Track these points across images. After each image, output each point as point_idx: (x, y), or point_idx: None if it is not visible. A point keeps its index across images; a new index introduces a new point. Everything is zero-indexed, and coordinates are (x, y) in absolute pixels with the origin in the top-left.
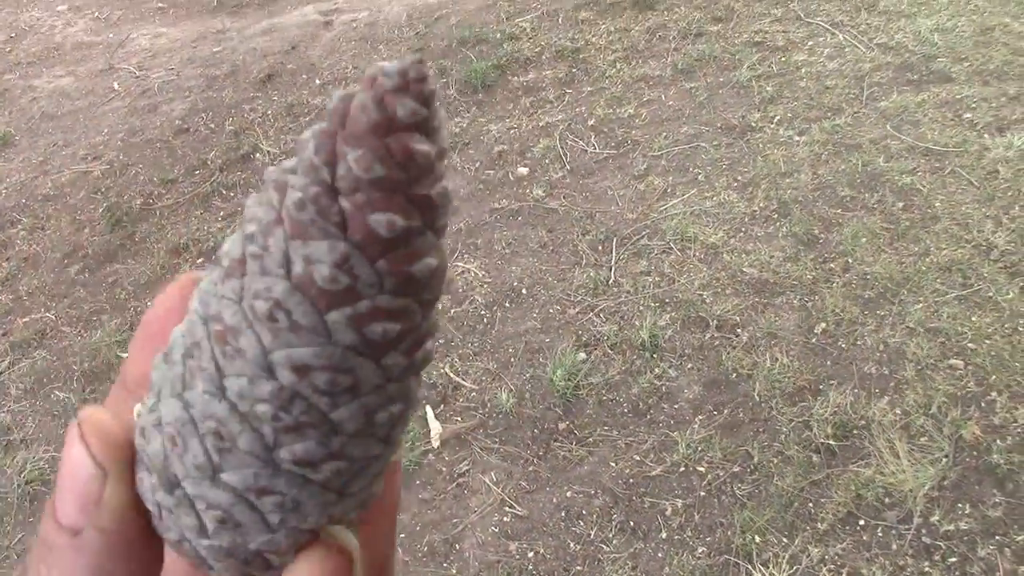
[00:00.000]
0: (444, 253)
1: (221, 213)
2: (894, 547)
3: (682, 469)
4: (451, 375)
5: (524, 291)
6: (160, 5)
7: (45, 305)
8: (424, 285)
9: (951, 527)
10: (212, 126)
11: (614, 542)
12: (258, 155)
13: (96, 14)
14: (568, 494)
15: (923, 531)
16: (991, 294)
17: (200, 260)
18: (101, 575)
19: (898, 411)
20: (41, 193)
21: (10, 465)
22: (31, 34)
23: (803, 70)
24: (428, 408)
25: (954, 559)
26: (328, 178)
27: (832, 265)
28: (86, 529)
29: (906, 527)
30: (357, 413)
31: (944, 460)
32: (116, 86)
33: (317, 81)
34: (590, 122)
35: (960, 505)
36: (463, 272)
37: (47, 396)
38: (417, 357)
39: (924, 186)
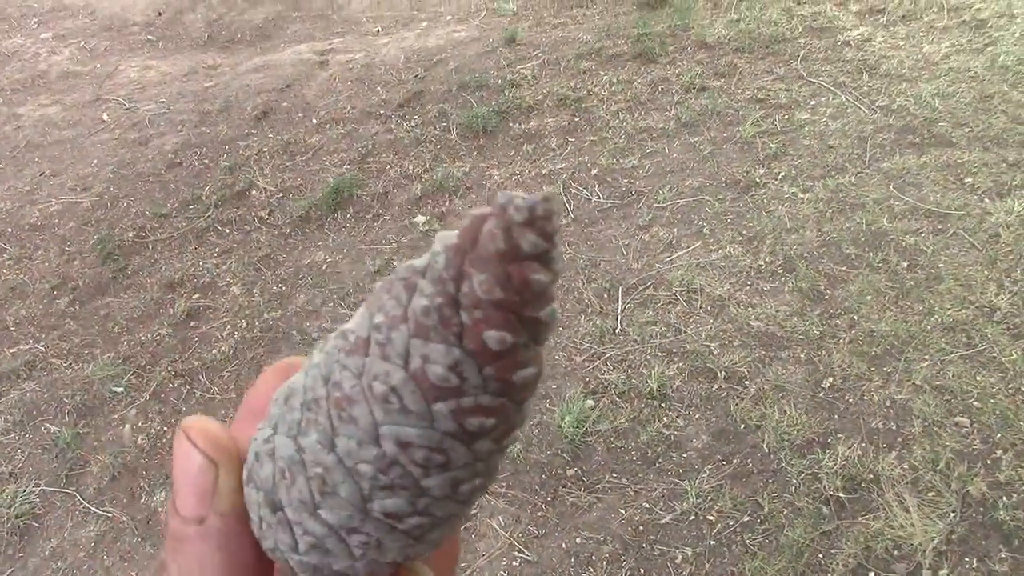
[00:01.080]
0: (543, 362)
1: (216, 249)
2: None
3: (692, 518)
4: None
5: None
6: (148, 38)
7: (34, 336)
8: (522, 389)
9: None
10: (206, 161)
11: None
12: (254, 191)
13: (82, 43)
14: (577, 540)
15: None
16: (995, 355)
17: (195, 296)
18: (227, 555)
19: (906, 466)
20: (28, 222)
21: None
22: (14, 61)
23: (806, 128)
24: None
25: None
26: (453, 292)
27: (838, 321)
28: (209, 516)
29: None
30: (445, 483)
31: (952, 515)
32: (105, 117)
33: (314, 120)
34: (593, 171)
35: (967, 559)
36: None
37: (37, 428)
38: (504, 444)
39: (927, 247)
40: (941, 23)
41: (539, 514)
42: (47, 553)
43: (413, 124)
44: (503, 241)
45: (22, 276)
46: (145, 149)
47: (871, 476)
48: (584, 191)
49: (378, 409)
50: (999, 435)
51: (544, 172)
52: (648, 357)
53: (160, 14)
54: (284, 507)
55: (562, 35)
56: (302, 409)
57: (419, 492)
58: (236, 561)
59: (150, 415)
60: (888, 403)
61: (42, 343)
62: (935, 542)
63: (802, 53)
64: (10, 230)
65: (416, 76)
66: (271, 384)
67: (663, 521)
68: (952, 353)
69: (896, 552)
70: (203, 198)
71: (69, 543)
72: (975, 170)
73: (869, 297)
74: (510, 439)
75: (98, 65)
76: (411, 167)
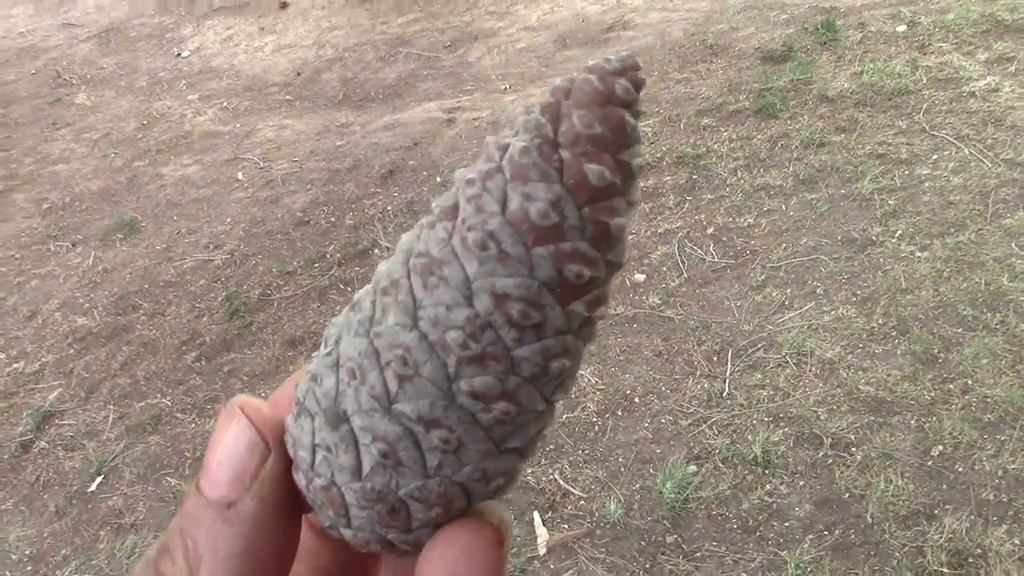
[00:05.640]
0: (629, 224)
1: (337, 307)
2: None
3: None
4: (560, 482)
5: (637, 400)
6: (286, 97)
7: (161, 391)
8: (614, 243)
9: None
10: (332, 219)
11: None
12: (376, 250)
13: (224, 104)
14: None
15: None
16: None
17: (315, 353)
18: (250, 545)
19: (1016, 541)
20: (163, 279)
21: (119, 549)
22: (162, 122)
23: (926, 184)
24: (536, 514)
25: None
26: (551, 133)
27: (951, 386)
28: (240, 501)
29: None
30: (536, 355)
31: None
32: (240, 176)
33: (438, 179)
34: (709, 230)
35: None
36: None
37: (159, 482)
38: (595, 315)
39: None
40: None
41: None
42: None
43: None
44: (600, 83)
45: (155, 332)
46: (275, 207)
47: (979, 551)
48: (698, 250)
49: (472, 262)
50: None
51: (660, 231)
52: (754, 422)
53: (299, 74)
54: (350, 416)
55: (685, 91)
56: (373, 303)
57: (510, 366)
58: (257, 554)
59: None
60: (1000, 473)
61: (168, 398)
62: None
63: (925, 105)
64: (147, 287)
65: None
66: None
67: None
68: None
69: None
70: (327, 256)
71: None
72: None
73: (985, 361)
74: (599, 313)
75: (238, 125)
76: None
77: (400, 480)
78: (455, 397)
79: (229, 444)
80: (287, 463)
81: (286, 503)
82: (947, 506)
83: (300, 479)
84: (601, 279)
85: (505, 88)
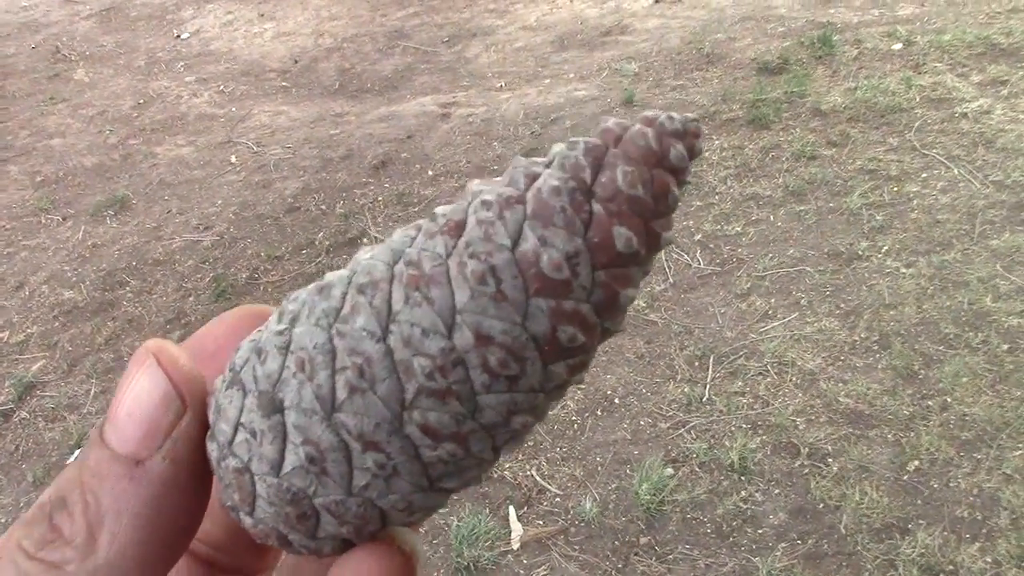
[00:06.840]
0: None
1: None
2: None
3: None
4: (537, 478)
5: (617, 400)
6: (283, 84)
7: None
8: (617, 313)
9: None
10: (323, 207)
11: None
12: (365, 240)
13: (221, 87)
14: None
15: None
16: None
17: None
18: (157, 508)
19: (989, 559)
20: (151, 258)
21: None
22: (158, 102)
23: (915, 202)
24: (511, 508)
25: None
26: (588, 180)
27: (930, 402)
28: (150, 460)
29: None
30: (502, 405)
31: None
32: (233, 159)
33: (429, 172)
34: (697, 237)
35: None
36: None
37: None
38: (573, 379)
39: None
40: None
41: None
42: None
43: None
44: (655, 142)
45: (140, 309)
46: (267, 192)
47: (950, 567)
48: (685, 256)
49: (463, 291)
50: None
51: None
52: (732, 428)
53: (296, 62)
54: (286, 408)
55: (679, 98)
56: (345, 296)
57: (471, 410)
58: (165, 517)
59: None
60: (975, 491)
61: None
62: None
63: (917, 124)
64: (135, 264)
65: (532, 133)
66: (230, 327)
67: None
68: None
69: None
70: (316, 243)
71: None
72: None
73: (965, 379)
74: (578, 377)
75: (233, 109)
76: None
77: (320, 488)
78: (403, 426)
79: (141, 396)
80: (204, 424)
81: (198, 465)
82: (921, 521)
83: (213, 450)
84: (592, 346)
85: (501, 86)
